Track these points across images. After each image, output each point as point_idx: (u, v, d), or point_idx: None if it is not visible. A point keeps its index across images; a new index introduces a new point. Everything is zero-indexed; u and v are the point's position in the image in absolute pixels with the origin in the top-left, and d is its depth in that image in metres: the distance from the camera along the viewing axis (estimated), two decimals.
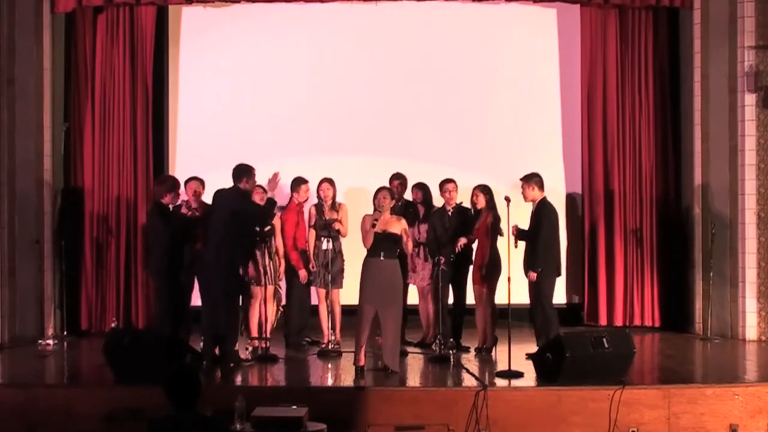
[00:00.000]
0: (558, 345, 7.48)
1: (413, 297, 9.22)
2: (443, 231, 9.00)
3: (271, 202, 8.35)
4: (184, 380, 4.84)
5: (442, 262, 8.75)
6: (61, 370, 8.89)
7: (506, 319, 8.36)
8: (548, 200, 8.69)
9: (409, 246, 8.22)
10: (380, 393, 7.21)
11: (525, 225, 8.60)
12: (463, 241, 8.85)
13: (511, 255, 8.36)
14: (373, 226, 7.95)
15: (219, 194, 8.27)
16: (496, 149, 10.69)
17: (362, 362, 7.97)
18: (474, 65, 10.76)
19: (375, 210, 8.22)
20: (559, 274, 8.70)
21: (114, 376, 7.52)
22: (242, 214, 8.14)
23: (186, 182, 8.98)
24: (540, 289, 8.48)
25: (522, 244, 8.56)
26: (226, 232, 8.08)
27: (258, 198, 8.73)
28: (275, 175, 8.32)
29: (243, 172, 8.27)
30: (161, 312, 8.71)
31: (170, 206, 8.73)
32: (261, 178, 8.96)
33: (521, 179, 8.64)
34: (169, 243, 8.57)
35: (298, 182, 9.20)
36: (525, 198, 8.61)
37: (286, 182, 9.39)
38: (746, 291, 9.75)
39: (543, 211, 8.55)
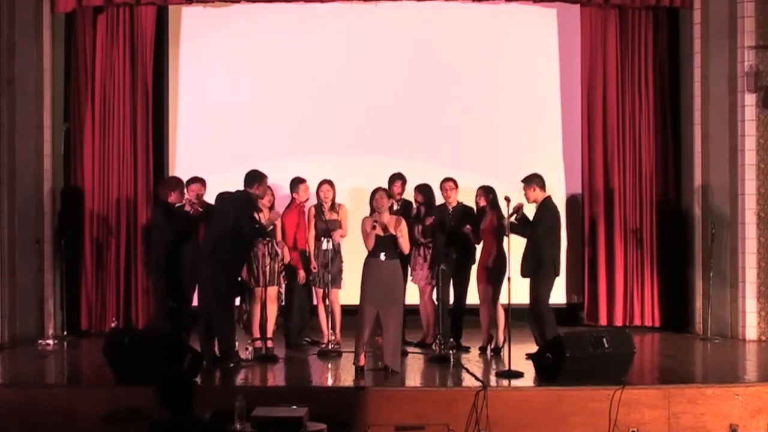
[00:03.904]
0: (558, 345, 7.48)
1: (413, 297, 9.21)
2: (443, 230, 9.00)
3: (261, 229, 8.42)
4: (176, 387, 4.88)
5: (435, 250, 8.77)
6: (61, 370, 8.89)
7: (507, 318, 8.37)
8: (551, 200, 8.69)
9: (405, 247, 8.21)
10: (380, 393, 7.21)
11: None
12: (468, 228, 8.87)
13: (513, 255, 8.37)
14: (374, 228, 7.95)
15: (222, 197, 8.30)
16: (496, 149, 10.68)
17: (362, 362, 7.98)
18: (474, 65, 10.76)
19: (373, 211, 8.24)
20: (557, 275, 8.69)
21: (114, 376, 7.52)
22: (239, 225, 8.15)
23: (188, 183, 8.97)
24: (537, 289, 8.48)
25: (517, 239, 8.56)
26: (225, 234, 8.10)
27: (266, 200, 8.78)
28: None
29: (255, 177, 8.32)
30: (158, 309, 8.72)
31: (175, 205, 8.77)
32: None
33: (522, 181, 8.64)
34: (171, 242, 8.59)
35: (297, 182, 9.21)
36: (528, 200, 8.60)
37: (283, 182, 9.43)
38: (746, 291, 9.75)
39: (544, 212, 8.53)
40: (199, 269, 8.29)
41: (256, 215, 8.79)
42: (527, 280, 8.59)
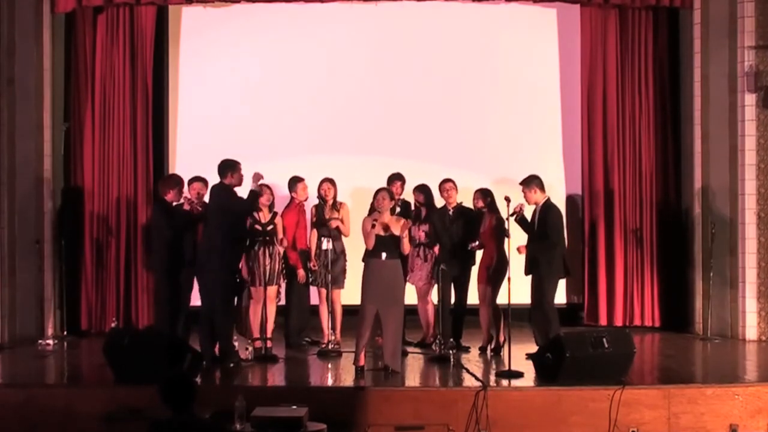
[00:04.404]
0: (558, 345, 7.48)
1: (414, 297, 9.21)
2: (443, 231, 9.00)
3: (253, 194, 8.33)
4: (178, 385, 4.90)
5: (437, 252, 8.80)
6: (61, 370, 8.89)
7: (507, 318, 8.38)
8: (552, 202, 8.68)
9: (406, 248, 8.21)
10: (380, 393, 7.21)
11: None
12: (475, 245, 8.87)
13: (513, 256, 8.37)
14: (373, 227, 7.96)
15: (210, 193, 8.32)
16: (496, 149, 10.68)
17: (362, 362, 7.98)
18: (474, 65, 10.76)
19: (374, 211, 8.24)
20: (563, 276, 8.68)
21: (114, 376, 7.52)
22: (228, 211, 8.15)
23: (189, 183, 8.98)
24: (543, 290, 8.47)
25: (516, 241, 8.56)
26: (217, 231, 8.12)
27: (265, 199, 8.76)
28: (257, 175, 8.38)
29: (227, 167, 8.30)
30: (160, 309, 8.72)
31: (174, 203, 8.77)
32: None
33: (521, 184, 8.62)
34: (171, 240, 8.59)
35: (295, 181, 9.21)
36: (528, 202, 8.59)
37: (281, 182, 9.42)
38: (746, 291, 9.75)
39: (549, 215, 8.49)
40: (199, 269, 8.30)
41: (255, 214, 8.81)
42: (527, 280, 8.59)
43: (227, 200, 8.20)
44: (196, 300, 8.74)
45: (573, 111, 10.77)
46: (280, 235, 8.92)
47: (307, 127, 10.65)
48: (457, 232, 9.00)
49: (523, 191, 8.60)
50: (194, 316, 8.73)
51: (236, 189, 8.35)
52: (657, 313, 10.48)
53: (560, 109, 10.85)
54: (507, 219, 8.23)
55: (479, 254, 9.04)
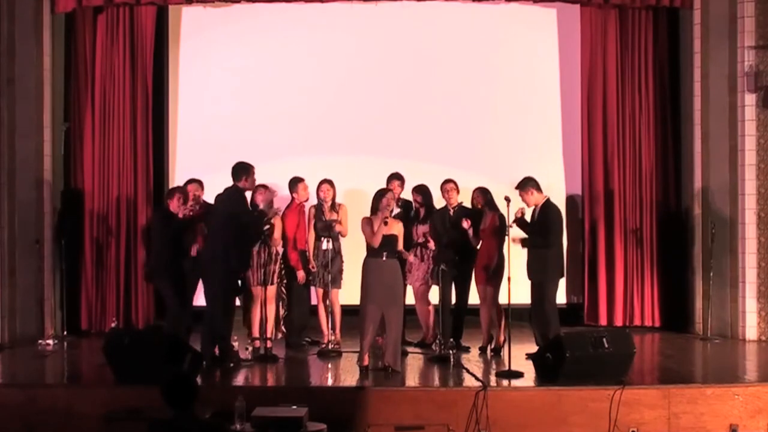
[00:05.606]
0: (558, 345, 7.49)
1: (412, 297, 9.20)
2: (444, 231, 9.00)
3: (262, 214, 8.36)
4: (180, 384, 4.91)
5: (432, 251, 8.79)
6: (61, 370, 8.89)
7: (507, 318, 8.38)
8: (552, 202, 8.67)
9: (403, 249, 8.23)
10: (380, 393, 7.21)
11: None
12: (467, 223, 8.84)
13: (513, 255, 8.37)
14: (385, 223, 7.94)
15: (219, 196, 8.31)
16: (496, 149, 10.69)
17: (366, 362, 7.99)
18: (474, 65, 10.76)
19: (376, 211, 8.17)
20: (562, 276, 8.68)
21: (114, 376, 7.52)
22: (236, 218, 8.14)
23: (185, 184, 8.96)
24: (544, 291, 8.47)
25: (516, 247, 8.55)
26: (223, 233, 8.10)
27: (260, 198, 8.74)
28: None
29: (242, 170, 8.29)
30: (170, 312, 8.66)
31: (176, 211, 8.69)
32: (262, 179, 8.99)
33: (516, 188, 8.59)
34: (171, 242, 8.55)
35: (295, 182, 9.21)
36: (527, 204, 8.58)
37: (283, 183, 9.42)
38: (746, 291, 9.74)
39: (548, 214, 8.49)
40: (202, 270, 8.29)
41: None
42: (527, 280, 8.58)
43: (237, 207, 8.18)
44: (196, 300, 8.74)
45: (573, 111, 10.77)
46: (277, 236, 8.89)
47: (307, 127, 10.65)
48: (457, 232, 8.99)
49: (520, 195, 8.58)
50: (194, 316, 8.73)
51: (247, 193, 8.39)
52: (657, 313, 10.48)
53: (560, 109, 10.85)
54: (509, 225, 8.21)
55: (479, 254, 9.03)
